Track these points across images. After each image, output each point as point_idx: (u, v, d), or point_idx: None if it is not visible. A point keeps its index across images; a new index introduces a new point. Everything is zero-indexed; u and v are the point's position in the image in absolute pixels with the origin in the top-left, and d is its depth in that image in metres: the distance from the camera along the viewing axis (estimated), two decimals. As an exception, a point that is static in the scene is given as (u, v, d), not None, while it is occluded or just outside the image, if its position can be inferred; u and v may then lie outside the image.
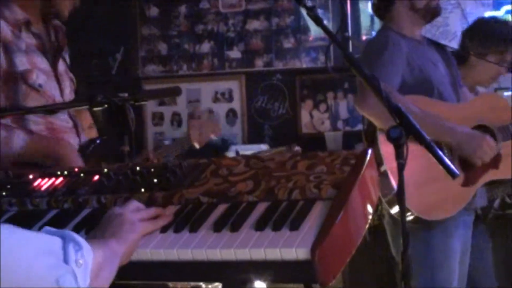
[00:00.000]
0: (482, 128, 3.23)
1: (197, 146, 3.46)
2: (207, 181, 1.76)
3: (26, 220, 1.80)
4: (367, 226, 1.61)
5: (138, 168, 1.90)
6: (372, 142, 3.15)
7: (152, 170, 1.87)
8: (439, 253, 3.14)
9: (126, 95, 2.10)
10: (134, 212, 1.64)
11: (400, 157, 1.97)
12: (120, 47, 5.62)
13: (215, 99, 5.57)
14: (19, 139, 2.49)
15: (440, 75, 3.30)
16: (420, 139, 2.08)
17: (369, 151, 1.70)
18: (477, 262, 3.74)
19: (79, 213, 1.81)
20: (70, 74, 2.89)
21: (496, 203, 5.07)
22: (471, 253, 3.39)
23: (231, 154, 5.14)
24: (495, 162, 3.21)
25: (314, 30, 5.49)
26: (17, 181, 2.01)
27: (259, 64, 5.57)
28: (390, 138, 2.14)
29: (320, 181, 1.63)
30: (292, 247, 1.47)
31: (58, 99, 2.72)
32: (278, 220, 1.56)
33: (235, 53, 5.60)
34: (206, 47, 5.60)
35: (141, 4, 5.67)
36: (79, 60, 4.89)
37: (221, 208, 1.67)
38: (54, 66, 2.75)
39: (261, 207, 1.63)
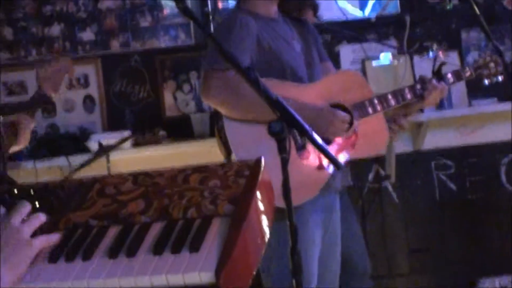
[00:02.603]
0: (336, 107, 3.29)
1: (53, 96, 3.31)
2: (95, 203, 1.77)
3: None
4: (266, 240, 1.68)
5: (15, 190, 1.89)
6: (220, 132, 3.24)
7: (32, 192, 1.86)
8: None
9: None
10: (24, 224, 1.63)
11: (284, 151, 2.05)
12: (-41, 33, 5.43)
13: (70, 86, 5.48)
14: None
15: (293, 53, 3.35)
16: (301, 131, 2.16)
17: (262, 159, 1.76)
18: (349, 241, 3.92)
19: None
20: None
21: (370, 176, 5.31)
22: (342, 234, 3.54)
23: (91, 144, 5.09)
24: (351, 142, 3.30)
25: (171, 7, 5.49)
26: None
27: (115, 45, 5.52)
28: (272, 133, 2.22)
29: (216, 196, 1.68)
30: (195, 271, 1.52)
31: None
32: (176, 242, 1.60)
33: (88, 35, 5.51)
34: (56, 29, 5.48)
35: (-20, -14, 5.50)
36: None
37: (114, 231, 1.69)
38: None
39: (156, 228, 1.67)
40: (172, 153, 5.22)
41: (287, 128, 2.16)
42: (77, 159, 4.93)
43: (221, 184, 1.71)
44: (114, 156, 4.90)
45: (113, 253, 1.61)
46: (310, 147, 3.18)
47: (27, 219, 1.66)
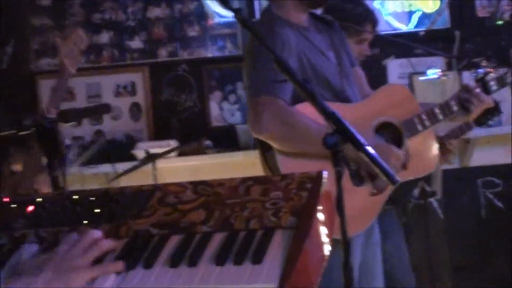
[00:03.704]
0: (387, 126, 3.25)
1: (72, 70, 3.29)
2: (156, 211, 1.77)
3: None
4: (328, 253, 1.67)
5: (76, 196, 1.90)
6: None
7: (92, 198, 1.87)
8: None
9: (54, 116, 2.09)
10: (82, 254, 1.63)
11: (339, 164, 2.03)
12: (10, 39, 5.49)
13: (117, 93, 5.53)
14: None
15: (330, 65, 3.25)
16: (356, 145, 2.15)
17: (324, 173, 1.76)
18: (393, 258, 3.88)
19: (17, 249, 1.79)
20: None
21: (416, 192, 5.27)
22: (387, 250, 3.51)
23: (137, 152, 5.13)
24: (404, 164, 3.20)
25: (219, 17, 5.52)
26: None
27: (162, 54, 5.56)
28: (327, 145, 2.21)
29: (278, 208, 1.68)
30: (258, 283, 1.51)
31: None
32: (238, 253, 1.59)
33: (136, 43, 5.57)
34: (104, 37, 5.54)
35: (31, -7, 5.57)
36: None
37: (174, 240, 1.69)
38: None
39: (217, 238, 1.66)
40: (217, 163, 5.23)
41: (341, 141, 2.15)
42: (123, 166, 4.96)
43: (283, 196, 1.71)
44: (159, 164, 4.92)
45: (174, 262, 1.61)
46: (363, 173, 3.12)
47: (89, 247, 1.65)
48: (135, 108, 5.55)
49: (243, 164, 4.98)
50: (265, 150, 3.10)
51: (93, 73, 5.50)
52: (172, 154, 5.12)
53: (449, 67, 5.42)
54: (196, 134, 5.36)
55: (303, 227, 1.60)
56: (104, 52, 5.56)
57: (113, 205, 1.82)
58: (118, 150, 5.32)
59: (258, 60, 3.04)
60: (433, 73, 5.38)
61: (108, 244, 1.67)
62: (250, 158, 4.95)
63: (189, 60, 5.54)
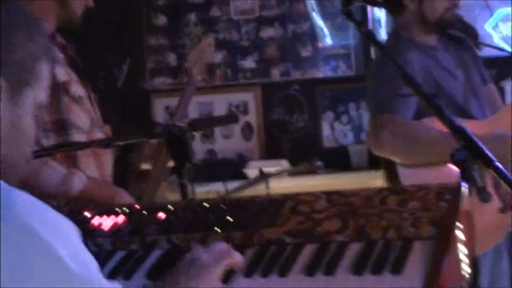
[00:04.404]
0: None
1: (199, 78, 3.32)
2: (288, 220, 1.75)
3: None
4: (467, 276, 1.62)
5: (206, 204, 1.90)
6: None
7: (223, 206, 1.87)
8: None
9: (184, 125, 2.10)
10: (219, 258, 1.62)
11: (468, 180, 1.97)
12: (125, 58, 5.60)
13: (229, 112, 5.56)
14: (79, 182, 2.51)
15: (457, 83, 3.24)
16: (486, 161, 2.09)
17: (463, 184, 1.70)
18: None
19: (148, 255, 1.80)
20: (92, 93, 2.92)
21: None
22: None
23: (250, 171, 5.14)
24: None
25: (332, 37, 5.50)
26: (73, 220, 1.99)
27: (275, 74, 5.57)
28: (455, 161, 2.16)
29: (416, 218, 1.63)
30: (398, 293, 1.47)
31: (93, 115, 2.75)
32: (377, 262, 1.56)
33: (249, 63, 5.60)
34: (218, 57, 5.59)
35: (148, 12, 5.67)
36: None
37: (309, 249, 1.66)
38: (84, 81, 2.77)
39: (353, 248, 1.63)
40: (329, 184, 5.18)
41: (470, 157, 2.11)
42: (234, 185, 4.96)
43: (421, 206, 1.66)
44: (270, 183, 4.91)
45: (310, 270, 1.59)
46: (490, 188, 3.03)
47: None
48: (247, 128, 5.57)
49: (355, 185, 4.91)
50: (388, 166, 3.12)
51: (206, 92, 5.54)
52: (283, 173, 5.11)
53: None
54: (307, 155, 5.34)
55: (444, 238, 1.56)
56: (217, 71, 5.61)
57: (245, 213, 1.81)
58: (229, 168, 5.34)
59: (382, 75, 3.08)
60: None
61: (239, 257, 1.66)
62: (363, 179, 4.90)
63: (302, 80, 5.54)
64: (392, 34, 3.38)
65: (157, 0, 5.66)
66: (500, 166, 2.05)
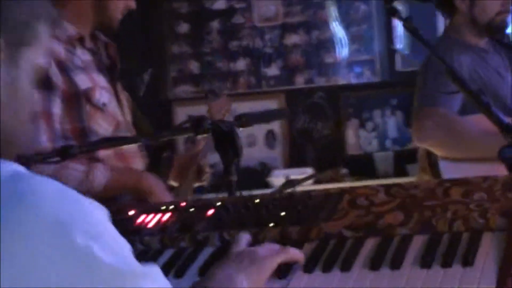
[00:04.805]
0: None
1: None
2: (347, 213, 1.68)
3: (139, 261, 1.72)
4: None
5: (257, 200, 1.84)
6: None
7: (276, 201, 1.80)
8: None
9: (232, 120, 2.05)
10: (274, 252, 1.56)
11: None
12: (148, 67, 5.55)
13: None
14: (101, 175, 2.44)
15: (504, 85, 3.26)
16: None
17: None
18: None
19: (200, 252, 1.73)
20: (125, 92, 2.87)
21: None
22: None
23: (275, 179, 5.07)
24: None
25: (357, 44, 5.44)
26: (117, 219, 1.93)
27: (299, 81, 5.51)
28: (503, 158, 2.12)
29: (484, 209, 1.56)
30: (473, 285, 1.40)
31: (120, 118, 2.69)
32: (446, 255, 1.48)
33: (273, 70, 5.54)
34: (241, 64, 5.54)
35: (170, 21, 5.61)
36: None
37: (371, 243, 1.59)
38: (113, 83, 2.72)
39: (418, 241, 1.56)
40: (355, 191, 5.12)
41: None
42: (258, 193, 4.90)
43: (488, 198, 1.59)
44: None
45: (375, 264, 1.51)
46: None
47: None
48: (270, 136, 5.50)
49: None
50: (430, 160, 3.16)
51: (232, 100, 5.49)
52: (309, 181, 5.04)
53: None
54: (332, 162, 5.27)
55: (516, 229, 1.48)
56: (241, 79, 5.55)
57: (300, 208, 1.74)
58: (252, 177, 5.27)
59: (429, 72, 3.12)
60: None
61: (297, 253, 1.58)
62: (389, 186, 4.82)
63: (326, 87, 5.48)
64: (443, 35, 3.45)
65: (179, 8, 5.60)
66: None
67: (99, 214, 1.16)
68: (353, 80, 5.47)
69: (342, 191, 1.77)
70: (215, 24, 5.58)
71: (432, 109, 3.04)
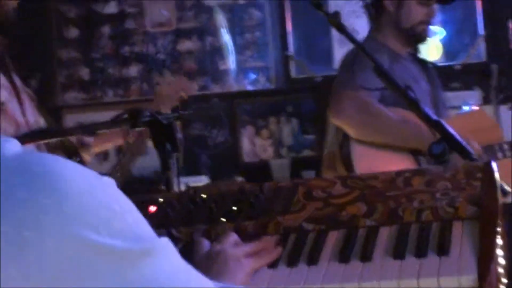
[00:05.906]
0: None
1: (167, 110, 3.09)
2: (304, 206, 1.61)
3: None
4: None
5: (204, 195, 1.73)
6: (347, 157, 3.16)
7: (225, 196, 1.70)
8: None
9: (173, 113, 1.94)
10: (236, 248, 1.46)
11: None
12: (35, 73, 5.32)
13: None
14: None
15: (421, 92, 3.26)
16: (464, 153, 2.05)
17: (493, 163, 1.60)
18: None
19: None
20: (27, 89, 2.71)
21: None
22: None
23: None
24: None
25: (252, 50, 5.39)
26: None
27: (193, 88, 5.40)
28: (432, 155, 2.12)
29: (451, 198, 1.52)
30: (452, 276, 1.34)
31: (20, 119, 2.53)
32: (418, 245, 1.43)
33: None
34: (133, 70, 5.39)
35: (58, 25, 5.41)
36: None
37: (335, 236, 1.52)
38: (11, 80, 2.56)
39: (385, 232, 1.50)
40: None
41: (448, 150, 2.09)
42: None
43: (453, 187, 1.54)
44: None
45: (343, 257, 1.44)
46: None
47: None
48: (164, 143, 5.37)
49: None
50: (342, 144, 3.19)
51: (121, 107, 5.29)
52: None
53: (485, 101, 5.30)
54: (227, 170, 5.20)
55: (490, 215, 1.44)
56: (133, 86, 5.40)
57: (253, 201, 1.65)
58: (145, 186, 5.13)
59: (349, 68, 3.12)
60: (468, 108, 5.27)
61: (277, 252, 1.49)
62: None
63: (221, 94, 5.40)
64: (367, 36, 3.47)
65: (67, 12, 5.41)
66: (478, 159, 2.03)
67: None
68: (248, 87, 5.41)
69: (295, 183, 1.69)
70: (106, 29, 5.41)
71: (352, 92, 3.07)
